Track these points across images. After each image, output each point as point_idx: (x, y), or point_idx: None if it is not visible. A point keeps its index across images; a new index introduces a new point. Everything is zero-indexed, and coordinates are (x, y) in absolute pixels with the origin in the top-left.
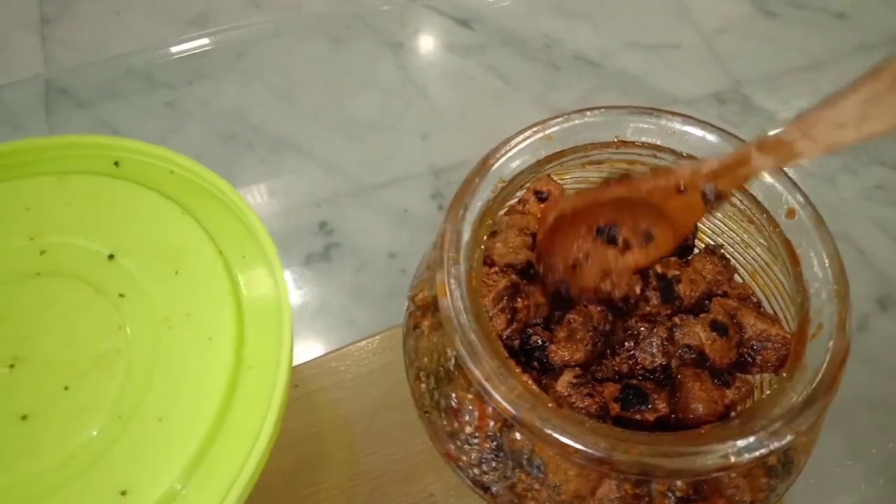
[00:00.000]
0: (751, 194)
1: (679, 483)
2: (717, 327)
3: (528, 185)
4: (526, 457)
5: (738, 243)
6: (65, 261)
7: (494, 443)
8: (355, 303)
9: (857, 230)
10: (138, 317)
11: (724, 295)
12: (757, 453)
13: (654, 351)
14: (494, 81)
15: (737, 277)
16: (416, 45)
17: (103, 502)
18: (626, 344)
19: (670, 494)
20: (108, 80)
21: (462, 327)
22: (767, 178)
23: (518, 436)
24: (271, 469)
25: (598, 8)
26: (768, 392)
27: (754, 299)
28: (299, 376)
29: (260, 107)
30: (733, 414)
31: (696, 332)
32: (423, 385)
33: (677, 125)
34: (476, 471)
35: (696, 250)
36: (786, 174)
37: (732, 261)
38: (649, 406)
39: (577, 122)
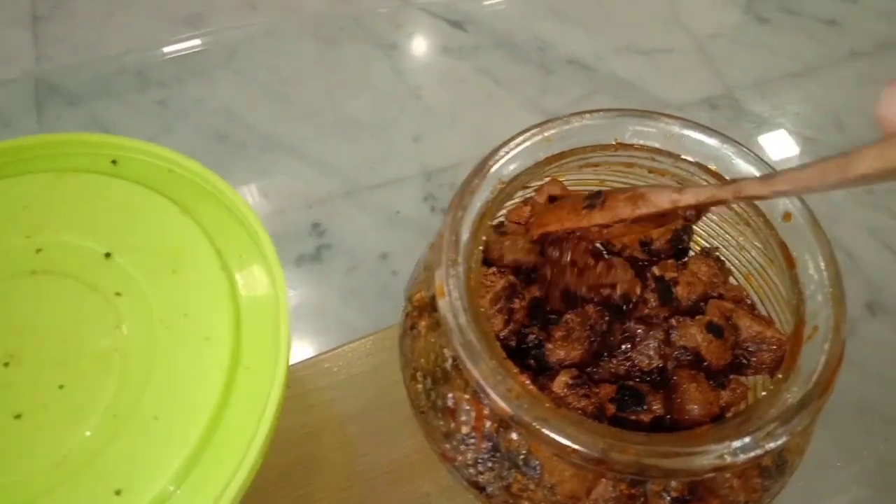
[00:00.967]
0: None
1: (674, 483)
2: (713, 329)
3: (532, 185)
4: (522, 457)
5: (733, 246)
6: (61, 259)
7: (490, 443)
8: (347, 304)
9: (847, 235)
10: (135, 316)
11: (720, 297)
12: (752, 454)
13: (651, 353)
14: (487, 84)
15: (732, 280)
16: (410, 47)
17: (98, 502)
18: (623, 346)
19: (665, 495)
20: (101, 79)
21: (460, 327)
22: None
23: (514, 436)
24: (266, 470)
25: (592, 12)
26: (764, 394)
27: (749, 301)
28: (293, 377)
29: (253, 107)
30: (729, 415)
31: (693, 334)
32: (420, 385)
33: (676, 128)
34: (471, 471)
35: (691, 253)
36: None
37: (728, 263)
38: (645, 407)
39: (576, 124)
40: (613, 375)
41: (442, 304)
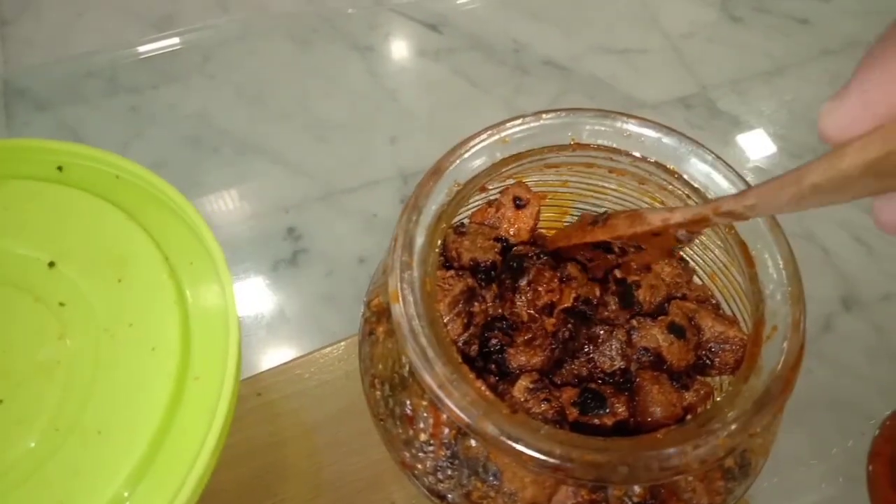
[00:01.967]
0: (706, 196)
1: (636, 488)
2: (675, 329)
3: (493, 186)
4: (481, 464)
5: (696, 245)
6: (3, 269)
7: (449, 450)
8: (324, 309)
9: (821, 230)
10: (79, 326)
11: (684, 297)
12: (712, 456)
13: (613, 354)
14: (463, 85)
15: (696, 279)
16: (386, 49)
17: None
18: (586, 347)
19: (627, 500)
20: (70, 83)
21: (413, 333)
22: (723, 182)
23: (473, 443)
24: (230, 479)
25: (567, 12)
26: (723, 395)
27: (713, 301)
28: (262, 384)
29: (226, 110)
30: (689, 417)
31: (654, 335)
32: (378, 392)
33: (633, 127)
34: (431, 479)
35: None
36: (741, 177)
37: (692, 263)
38: (607, 410)
39: (532, 124)
40: (576, 377)
41: (396, 309)
